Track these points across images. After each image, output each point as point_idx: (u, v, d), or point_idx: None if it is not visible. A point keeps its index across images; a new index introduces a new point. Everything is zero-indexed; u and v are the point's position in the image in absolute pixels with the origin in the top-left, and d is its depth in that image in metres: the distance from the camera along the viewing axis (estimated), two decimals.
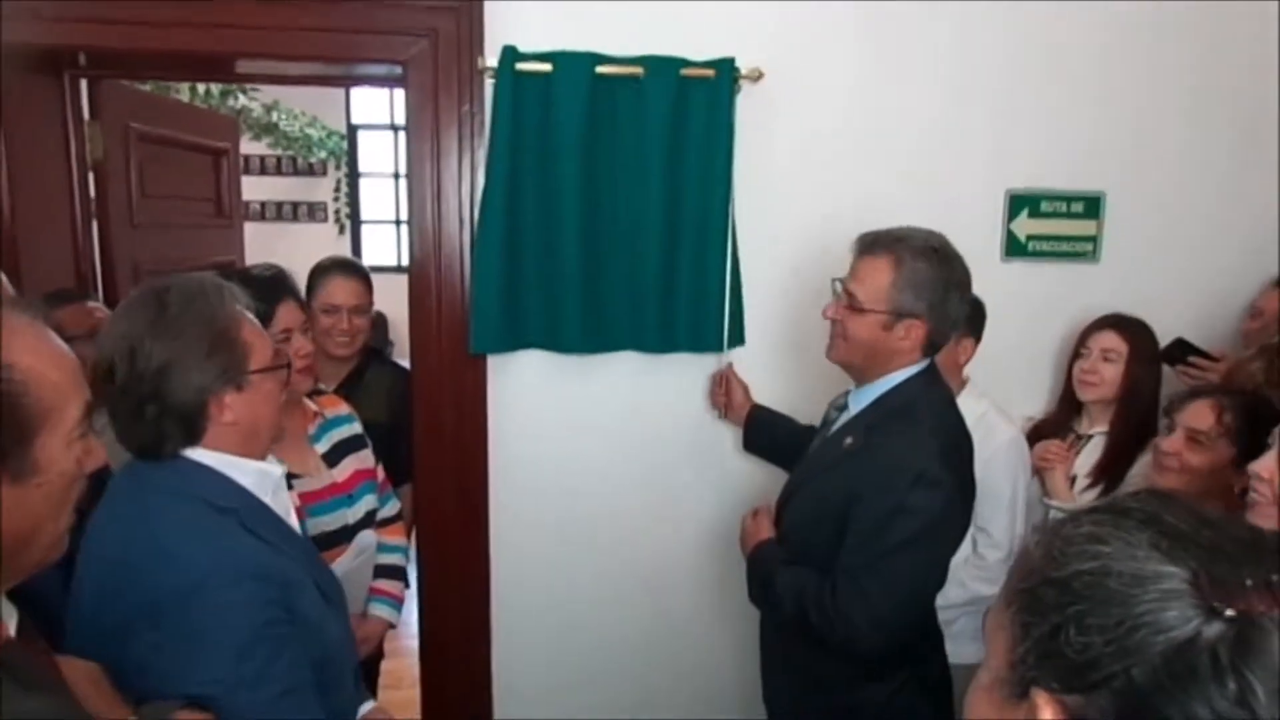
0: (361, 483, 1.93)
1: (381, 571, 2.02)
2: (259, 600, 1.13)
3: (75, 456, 0.89)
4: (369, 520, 1.95)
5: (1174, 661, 0.53)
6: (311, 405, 1.92)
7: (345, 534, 1.88)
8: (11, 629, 0.88)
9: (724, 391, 2.17)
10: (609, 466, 2.27)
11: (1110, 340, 2.12)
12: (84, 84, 2.44)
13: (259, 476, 1.25)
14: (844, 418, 1.69)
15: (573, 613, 2.32)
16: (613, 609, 2.33)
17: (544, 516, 2.26)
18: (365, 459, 1.98)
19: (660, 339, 2.15)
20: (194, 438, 1.19)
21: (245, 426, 1.22)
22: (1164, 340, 2.19)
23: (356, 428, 2.00)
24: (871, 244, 1.60)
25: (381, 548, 2.00)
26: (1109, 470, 2.08)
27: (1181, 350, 2.19)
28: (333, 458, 1.91)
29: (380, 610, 2.00)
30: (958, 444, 1.59)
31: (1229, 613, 0.53)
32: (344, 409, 2.01)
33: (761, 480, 2.25)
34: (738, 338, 2.20)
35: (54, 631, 1.29)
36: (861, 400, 1.65)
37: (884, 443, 1.54)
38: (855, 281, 1.60)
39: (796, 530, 1.69)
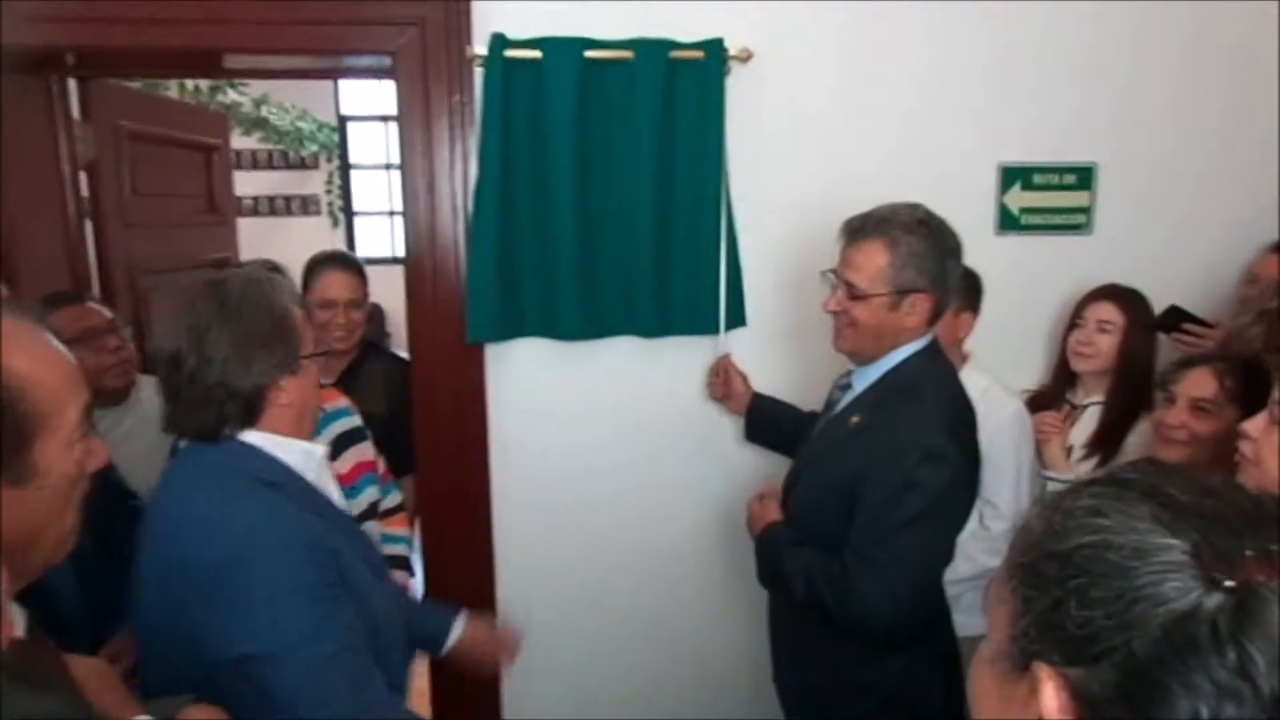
0: (363, 475, 1.95)
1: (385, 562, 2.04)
2: (310, 564, 1.19)
3: (76, 458, 0.89)
4: (371, 512, 1.96)
5: (1174, 633, 0.53)
6: None
7: None
8: (20, 630, 0.89)
9: (722, 382, 2.17)
10: (610, 451, 2.28)
11: (1106, 311, 2.13)
12: (73, 84, 2.44)
13: (304, 456, 1.31)
14: (848, 397, 1.69)
15: (578, 598, 2.34)
16: (617, 593, 2.35)
17: (546, 503, 2.28)
18: (365, 451, 1.99)
19: (657, 323, 2.15)
20: (253, 420, 1.26)
21: (297, 409, 1.30)
22: (1159, 308, 2.19)
23: (356, 420, 2.01)
24: (860, 229, 1.60)
25: (385, 539, 2.02)
26: (1106, 440, 2.09)
27: (1176, 317, 2.19)
28: (333, 451, 1.91)
29: None
30: (963, 418, 1.60)
31: (1228, 583, 0.53)
32: (343, 402, 2.01)
33: (763, 463, 2.26)
34: (738, 319, 2.21)
35: (65, 629, 1.31)
36: (866, 378, 1.65)
37: (890, 420, 1.55)
38: (850, 269, 1.59)
39: (804, 511, 1.69)
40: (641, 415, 2.26)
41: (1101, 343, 2.11)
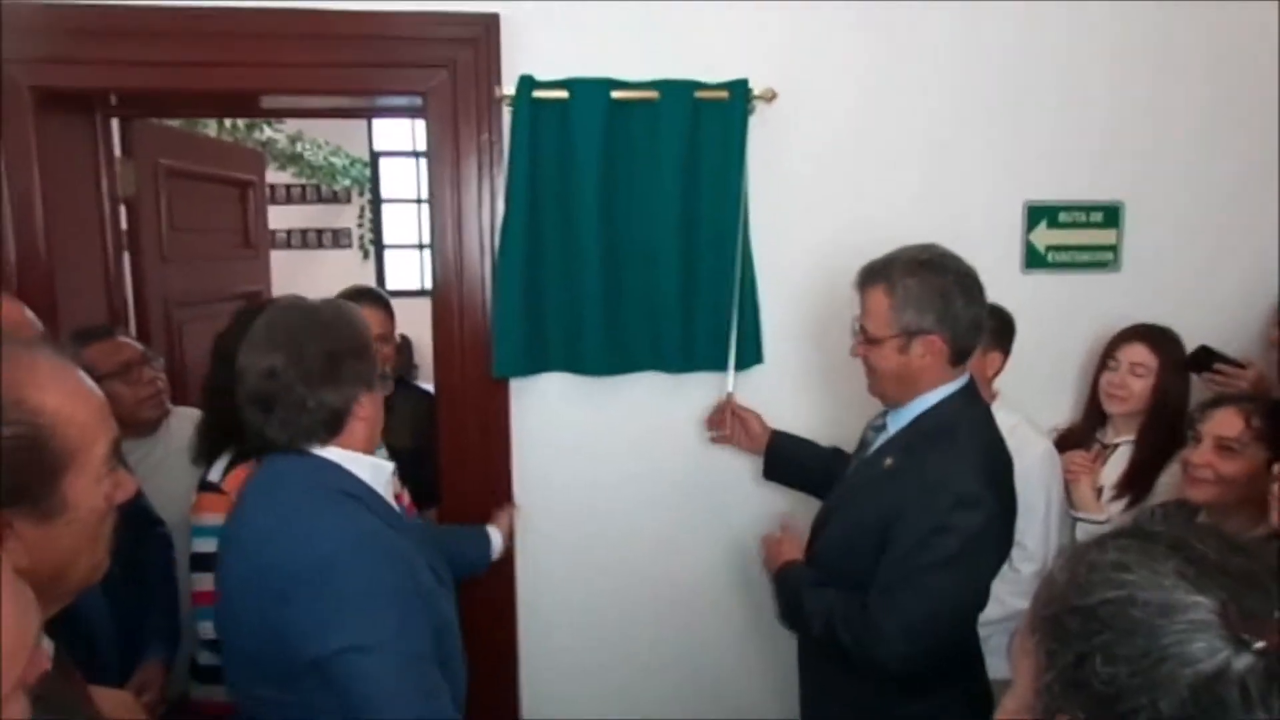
0: None
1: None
2: (389, 570, 1.25)
3: (104, 492, 0.91)
4: None
5: (1202, 694, 0.52)
6: None
7: None
8: (47, 659, 0.90)
9: (733, 422, 2.13)
10: (632, 485, 2.28)
11: (1139, 354, 2.11)
12: (115, 122, 2.51)
13: (374, 470, 1.38)
14: (881, 438, 1.69)
15: (599, 633, 2.32)
16: (639, 629, 2.34)
17: (569, 536, 2.28)
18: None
19: (680, 359, 2.16)
20: (336, 433, 1.34)
21: (371, 424, 1.38)
22: (1189, 345, 2.17)
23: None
24: (866, 276, 1.63)
25: None
26: (1137, 480, 2.06)
27: (1207, 358, 2.17)
28: None
29: None
30: (999, 462, 1.58)
31: (1258, 645, 0.52)
32: None
33: (784, 500, 2.25)
34: (754, 356, 2.21)
35: (96, 654, 1.32)
36: (900, 420, 1.64)
37: (925, 462, 1.54)
38: (864, 316, 1.63)
39: (836, 551, 1.68)
40: (664, 450, 2.26)
41: (1135, 385, 2.10)
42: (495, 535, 1.98)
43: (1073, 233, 2.34)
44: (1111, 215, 2.34)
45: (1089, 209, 2.33)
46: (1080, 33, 2.24)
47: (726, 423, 2.14)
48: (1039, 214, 2.31)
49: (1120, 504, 2.06)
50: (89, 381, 0.92)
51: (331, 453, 1.34)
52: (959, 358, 1.60)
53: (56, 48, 1.95)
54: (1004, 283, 2.24)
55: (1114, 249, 2.35)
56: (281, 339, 1.31)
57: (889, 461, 1.61)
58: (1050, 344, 2.32)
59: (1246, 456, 1.65)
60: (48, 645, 0.91)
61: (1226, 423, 1.69)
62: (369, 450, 1.39)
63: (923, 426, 1.60)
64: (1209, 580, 0.56)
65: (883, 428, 1.69)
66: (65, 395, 0.87)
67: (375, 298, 2.40)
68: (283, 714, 1.27)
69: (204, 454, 1.81)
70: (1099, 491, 2.10)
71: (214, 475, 1.76)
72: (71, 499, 0.87)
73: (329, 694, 1.21)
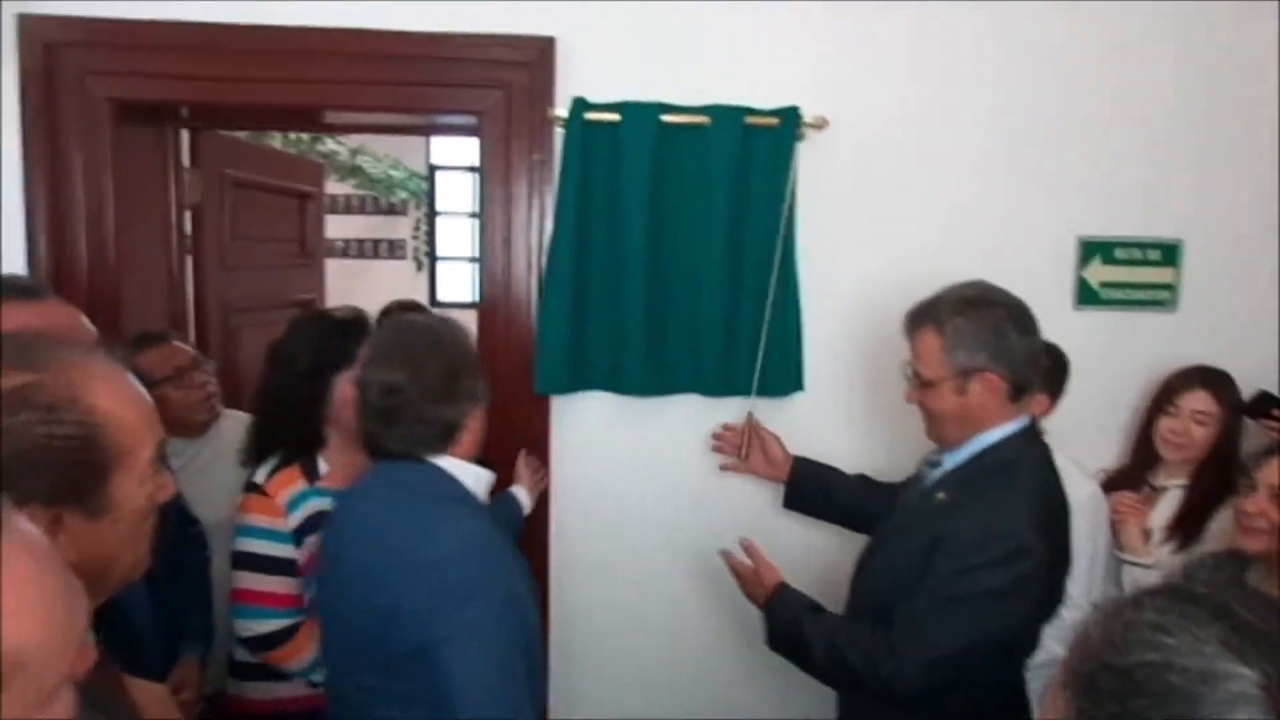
0: None
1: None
2: (493, 571, 1.36)
3: (148, 492, 0.94)
4: None
5: None
6: None
7: None
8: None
9: (748, 444, 2.09)
10: (668, 504, 2.28)
11: (1202, 401, 2.06)
12: (185, 134, 2.61)
13: (476, 478, 1.48)
14: (935, 473, 1.65)
15: (635, 655, 2.32)
16: (668, 642, 2.33)
17: (606, 556, 2.28)
18: None
19: (721, 382, 2.16)
20: (448, 444, 1.44)
21: (477, 435, 1.49)
22: (1246, 388, 2.11)
23: None
24: (914, 320, 1.60)
25: None
26: (1187, 524, 2.00)
27: (1266, 403, 2.11)
28: None
29: None
30: (1056, 510, 1.54)
31: None
32: None
33: (809, 529, 2.22)
34: (796, 383, 2.20)
35: (138, 647, 1.36)
36: (957, 456, 1.61)
37: (981, 498, 1.50)
38: (916, 361, 1.60)
39: (878, 584, 1.65)
40: (700, 470, 2.26)
41: (1196, 434, 2.06)
42: (521, 494, 2.05)
43: (1129, 270, 2.29)
44: (1170, 253, 2.29)
45: (1146, 245, 2.28)
46: (1137, 66, 2.21)
47: (743, 445, 2.10)
48: (1093, 249, 2.27)
49: (1168, 547, 2.01)
50: (138, 385, 0.96)
51: (442, 460, 1.44)
52: (1018, 392, 1.56)
53: (134, 62, 2.04)
54: (1054, 318, 2.18)
55: (1171, 288, 2.30)
56: (403, 357, 1.41)
57: (941, 496, 1.57)
58: (1100, 383, 2.27)
59: None
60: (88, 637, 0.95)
61: None
62: (471, 459, 1.49)
63: (983, 462, 1.56)
64: (1255, 650, 0.54)
65: (938, 463, 1.66)
66: (116, 398, 0.90)
67: (414, 309, 2.44)
68: (383, 701, 1.37)
69: (253, 456, 1.86)
70: (1147, 534, 2.04)
71: (259, 477, 1.80)
72: (118, 498, 0.90)
73: (426, 682, 1.30)
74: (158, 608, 1.50)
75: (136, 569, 0.97)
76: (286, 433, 1.83)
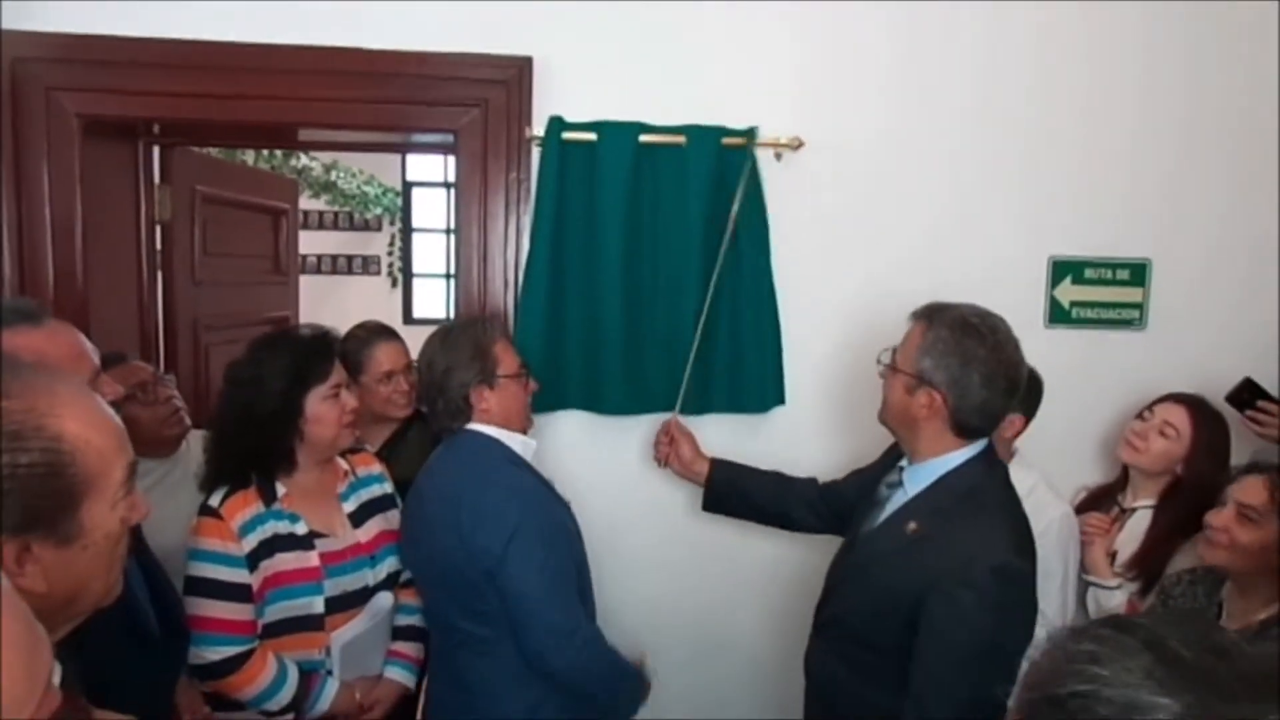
0: (385, 544, 1.89)
1: (401, 633, 1.96)
2: (541, 512, 1.74)
3: (120, 515, 0.92)
4: (391, 582, 1.90)
5: None
6: (344, 464, 1.92)
7: (365, 595, 1.85)
8: (55, 681, 0.91)
9: (668, 442, 2.09)
10: (648, 522, 2.28)
11: (1176, 415, 2.03)
12: (156, 150, 2.58)
13: (523, 445, 1.82)
14: (898, 496, 1.63)
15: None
16: (656, 662, 2.30)
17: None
18: (392, 520, 1.94)
19: (697, 401, 2.16)
20: (466, 418, 1.78)
21: (498, 415, 1.79)
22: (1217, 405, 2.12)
23: (387, 488, 1.98)
24: (922, 310, 1.61)
25: (402, 609, 1.94)
26: (1149, 561, 1.97)
27: (1251, 393, 2.10)
28: (358, 517, 1.89)
29: (396, 673, 1.93)
30: (1027, 530, 1.54)
31: None
32: (376, 468, 2.00)
33: (799, 540, 2.22)
34: (776, 398, 2.21)
35: (107, 674, 1.33)
36: (919, 481, 1.59)
37: (956, 531, 1.48)
38: (901, 344, 1.62)
39: (855, 618, 1.63)
40: (680, 487, 2.25)
41: (1155, 444, 2.03)
42: None
43: (1098, 289, 2.32)
44: (1138, 273, 2.33)
45: (1115, 265, 2.32)
46: (1106, 88, 2.25)
47: (665, 442, 2.09)
48: (1064, 269, 2.31)
49: (1130, 577, 2.00)
50: (106, 408, 0.93)
51: (486, 429, 1.78)
52: (959, 429, 1.55)
53: (104, 78, 2.02)
54: (1026, 337, 2.21)
55: (1140, 307, 2.33)
56: (426, 356, 1.82)
57: (913, 525, 1.55)
58: (1072, 402, 2.29)
59: (1265, 527, 1.62)
60: (56, 668, 0.92)
61: (1252, 490, 1.66)
62: (515, 429, 1.82)
63: (947, 489, 1.55)
64: (1179, 682, 0.55)
65: (899, 484, 1.64)
66: (84, 423, 0.88)
67: (390, 332, 2.40)
68: (474, 648, 1.72)
69: (210, 479, 1.81)
70: (1112, 557, 2.05)
71: (214, 500, 1.75)
72: (88, 524, 0.88)
73: (499, 603, 1.67)
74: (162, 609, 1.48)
75: (108, 594, 0.95)
76: (247, 455, 1.79)
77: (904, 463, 1.64)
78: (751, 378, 2.18)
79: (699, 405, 2.17)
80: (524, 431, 1.85)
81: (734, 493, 2.06)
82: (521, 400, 1.85)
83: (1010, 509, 1.55)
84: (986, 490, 1.54)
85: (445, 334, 1.83)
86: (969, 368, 1.51)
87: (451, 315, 2.35)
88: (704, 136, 2.09)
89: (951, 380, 1.51)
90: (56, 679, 0.90)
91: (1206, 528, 1.71)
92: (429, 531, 1.75)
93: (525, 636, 1.68)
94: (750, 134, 2.11)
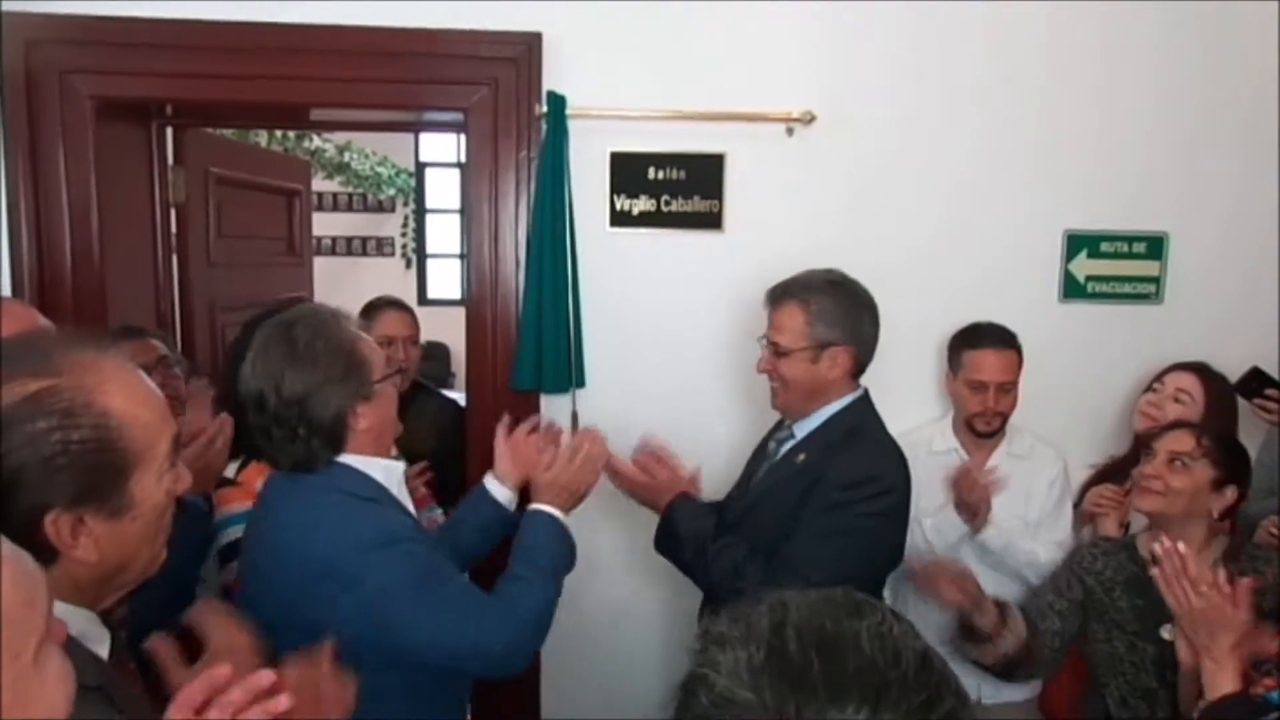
0: None
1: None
2: (413, 551, 1.35)
3: (166, 487, 0.94)
4: None
5: None
6: None
7: None
8: (104, 651, 0.93)
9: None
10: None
11: (1187, 381, 2.05)
12: (169, 131, 2.59)
13: (386, 471, 1.44)
14: (789, 443, 1.76)
15: (615, 640, 2.34)
16: (658, 636, 2.34)
17: (588, 547, 2.26)
18: None
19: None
20: (338, 448, 1.38)
21: (376, 429, 1.41)
22: (1232, 379, 2.11)
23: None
24: (779, 295, 1.73)
25: None
26: None
27: (1259, 382, 2.09)
28: None
29: None
30: (903, 456, 1.72)
31: None
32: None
33: None
34: (576, 379, 2.17)
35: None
36: (807, 425, 1.74)
37: (843, 453, 1.65)
38: (775, 331, 1.72)
39: (767, 537, 1.70)
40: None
41: (1171, 411, 2.04)
42: (494, 486, 1.72)
43: (1114, 263, 2.30)
44: (1155, 246, 2.30)
45: (1132, 239, 2.29)
46: (1122, 60, 2.22)
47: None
48: (1080, 243, 2.28)
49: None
50: (149, 381, 0.95)
51: (344, 457, 1.39)
52: (859, 370, 1.73)
53: (117, 59, 2.03)
54: (1040, 311, 2.23)
55: (1157, 281, 2.31)
56: (262, 371, 1.34)
57: (802, 457, 1.70)
58: (1086, 376, 2.28)
59: (1194, 472, 1.68)
60: (106, 637, 0.94)
61: (1180, 440, 1.72)
62: (382, 453, 1.44)
63: (834, 426, 1.71)
64: (772, 681, 0.54)
65: (790, 436, 1.76)
66: (130, 397, 0.90)
67: (401, 304, 2.44)
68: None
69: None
70: (1125, 529, 2.04)
71: (229, 473, 1.80)
72: (138, 496, 0.90)
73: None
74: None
75: (154, 564, 0.97)
76: (248, 434, 1.80)
77: (788, 420, 1.78)
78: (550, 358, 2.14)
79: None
80: (389, 451, 1.49)
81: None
82: (393, 404, 1.47)
83: (888, 438, 1.73)
84: (868, 426, 1.72)
85: (285, 340, 1.34)
86: (860, 314, 1.70)
87: (465, 296, 2.35)
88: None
89: (848, 331, 1.68)
90: (105, 650, 0.92)
91: (1139, 478, 1.74)
92: (262, 580, 1.41)
93: (466, 671, 1.49)
94: (557, 101, 2.06)
